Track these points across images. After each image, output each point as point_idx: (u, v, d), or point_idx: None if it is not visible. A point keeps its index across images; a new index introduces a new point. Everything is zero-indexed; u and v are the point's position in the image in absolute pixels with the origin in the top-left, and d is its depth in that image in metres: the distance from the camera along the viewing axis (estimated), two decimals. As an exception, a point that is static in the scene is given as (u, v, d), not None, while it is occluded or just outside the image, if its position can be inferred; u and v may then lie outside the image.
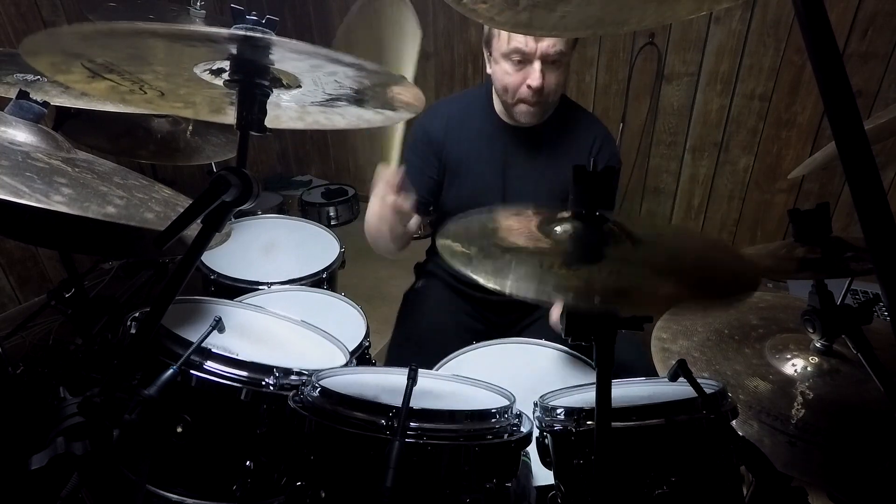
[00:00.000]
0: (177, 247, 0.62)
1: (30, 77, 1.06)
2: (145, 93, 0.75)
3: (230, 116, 0.83)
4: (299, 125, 0.87)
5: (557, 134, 1.34)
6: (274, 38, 0.59)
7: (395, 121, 0.91)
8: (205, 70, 0.70)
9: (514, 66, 1.19)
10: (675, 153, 2.65)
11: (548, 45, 1.14)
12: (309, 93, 0.77)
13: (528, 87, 1.18)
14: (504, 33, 1.18)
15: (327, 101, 0.79)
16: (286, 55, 0.65)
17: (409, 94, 0.77)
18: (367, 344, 1.21)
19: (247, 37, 0.58)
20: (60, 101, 1.05)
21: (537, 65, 1.16)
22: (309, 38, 3.31)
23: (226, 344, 0.90)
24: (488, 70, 1.27)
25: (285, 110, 0.84)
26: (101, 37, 0.61)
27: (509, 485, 0.75)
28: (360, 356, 1.18)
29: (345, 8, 3.16)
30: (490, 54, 1.25)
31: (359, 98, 0.78)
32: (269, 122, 0.72)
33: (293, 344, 1.06)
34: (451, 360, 1.15)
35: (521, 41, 1.15)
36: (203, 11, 1.66)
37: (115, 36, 0.61)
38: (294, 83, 0.74)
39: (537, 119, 1.27)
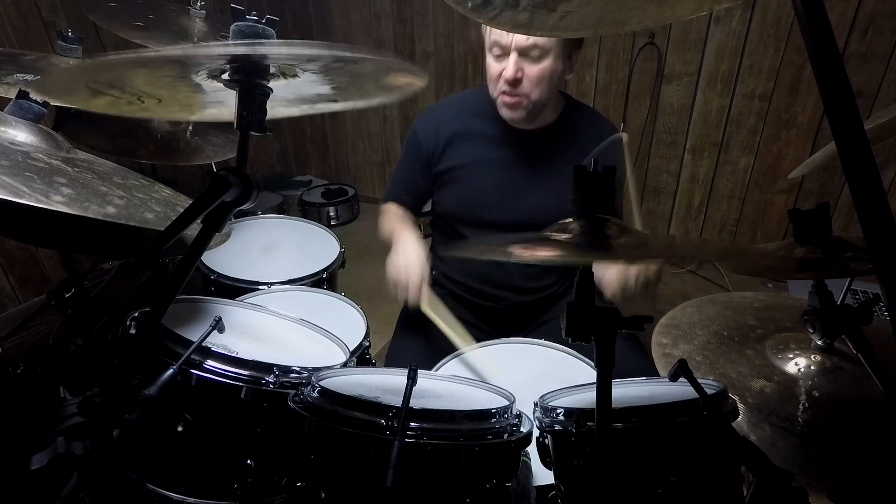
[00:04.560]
0: (177, 247, 0.62)
1: (30, 77, 1.06)
2: (143, 102, 0.75)
3: (229, 115, 0.83)
4: (294, 112, 0.86)
5: (568, 136, 1.32)
6: (272, 49, 0.58)
7: (393, 100, 0.89)
8: (203, 72, 0.70)
9: (495, 59, 1.20)
10: (675, 153, 2.65)
11: (522, 37, 1.13)
12: (309, 84, 0.76)
13: (505, 79, 1.18)
14: (490, 27, 1.17)
15: (329, 91, 0.78)
16: (285, 59, 0.65)
17: (409, 77, 0.76)
18: (367, 344, 1.21)
19: (246, 55, 0.58)
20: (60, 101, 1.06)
21: (513, 56, 1.16)
22: (309, 37, 3.31)
23: (226, 343, 0.90)
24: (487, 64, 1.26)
25: (281, 101, 0.83)
26: (104, 67, 0.62)
27: (509, 485, 0.75)
28: (360, 356, 1.18)
29: (345, 8, 3.16)
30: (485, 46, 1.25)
31: (359, 85, 0.77)
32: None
33: (293, 342, 1.07)
34: (451, 360, 1.15)
35: (498, 33, 1.15)
36: (203, 11, 1.65)
37: (117, 65, 0.61)
38: (291, 73, 0.73)
39: (519, 115, 1.24)
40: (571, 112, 1.35)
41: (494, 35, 1.16)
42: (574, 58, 1.24)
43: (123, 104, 0.74)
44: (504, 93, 1.21)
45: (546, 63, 1.17)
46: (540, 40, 1.14)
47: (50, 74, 0.63)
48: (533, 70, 1.17)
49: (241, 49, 0.60)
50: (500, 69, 1.19)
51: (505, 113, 1.25)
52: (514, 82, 1.17)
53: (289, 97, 0.79)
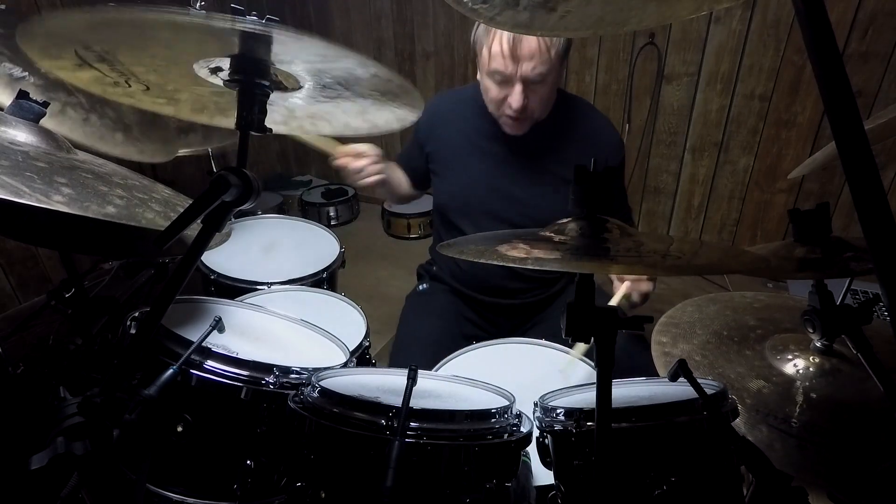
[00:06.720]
0: (177, 247, 0.62)
1: (17, 72, 1.03)
2: (129, 86, 0.74)
3: (213, 116, 0.83)
4: (282, 129, 0.86)
5: (563, 131, 1.32)
6: (277, 30, 0.58)
7: (390, 124, 0.90)
8: (204, 68, 0.70)
9: (497, 84, 1.19)
10: (675, 153, 2.65)
11: (528, 68, 1.12)
12: (308, 98, 0.76)
13: (514, 109, 1.18)
14: (486, 51, 1.16)
15: (329, 98, 0.79)
16: (289, 49, 0.65)
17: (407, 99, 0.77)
18: (367, 344, 1.21)
19: (251, 32, 0.58)
20: (60, 100, 1.05)
21: (518, 87, 1.15)
22: (309, 38, 3.32)
23: (226, 343, 0.90)
24: (478, 77, 1.27)
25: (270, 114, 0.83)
26: (107, 25, 0.61)
27: (509, 485, 0.75)
28: (360, 356, 1.18)
29: (345, 8, 3.16)
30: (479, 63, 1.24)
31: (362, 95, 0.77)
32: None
33: (293, 343, 1.06)
34: (451, 360, 1.15)
35: (500, 63, 1.13)
36: (203, 12, 1.65)
37: (120, 25, 0.61)
38: (294, 85, 0.74)
39: (522, 131, 1.26)
40: (565, 106, 1.34)
41: (495, 64, 1.14)
42: (566, 58, 1.24)
43: (108, 84, 0.73)
44: (509, 116, 1.22)
45: (549, 81, 1.18)
46: (547, 66, 1.13)
47: (40, 24, 0.61)
48: (536, 96, 1.18)
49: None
50: (501, 94, 1.19)
51: (508, 130, 1.26)
52: (521, 109, 1.18)
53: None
